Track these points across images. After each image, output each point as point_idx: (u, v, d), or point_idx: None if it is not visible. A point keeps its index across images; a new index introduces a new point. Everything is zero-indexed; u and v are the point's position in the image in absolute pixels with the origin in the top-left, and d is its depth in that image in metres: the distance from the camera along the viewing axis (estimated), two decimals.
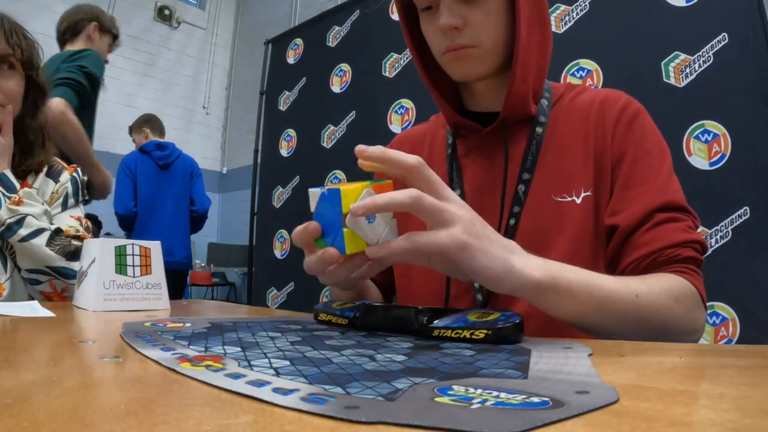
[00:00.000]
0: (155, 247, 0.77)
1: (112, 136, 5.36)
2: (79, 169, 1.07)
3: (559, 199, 0.64)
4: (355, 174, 3.19)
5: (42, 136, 0.99)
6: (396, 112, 2.81)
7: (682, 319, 0.54)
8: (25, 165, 0.96)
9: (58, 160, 1.05)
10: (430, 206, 0.43)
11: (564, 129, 0.67)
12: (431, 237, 0.43)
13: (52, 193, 0.99)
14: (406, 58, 2.80)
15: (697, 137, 1.82)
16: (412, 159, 0.45)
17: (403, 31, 0.73)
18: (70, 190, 1.02)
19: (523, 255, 0.47)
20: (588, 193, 0.63)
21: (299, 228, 0.49)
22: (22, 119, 0.95)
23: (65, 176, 1.02)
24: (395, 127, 2.80)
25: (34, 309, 0.62)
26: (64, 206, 0.99)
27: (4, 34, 0.87)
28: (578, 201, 0.63)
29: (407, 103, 2.76)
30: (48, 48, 1.00)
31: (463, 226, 0.43)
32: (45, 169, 1.01)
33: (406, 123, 2.75)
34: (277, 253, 3.35)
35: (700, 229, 1.77)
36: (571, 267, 0.50)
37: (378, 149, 0.45)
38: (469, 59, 0.65)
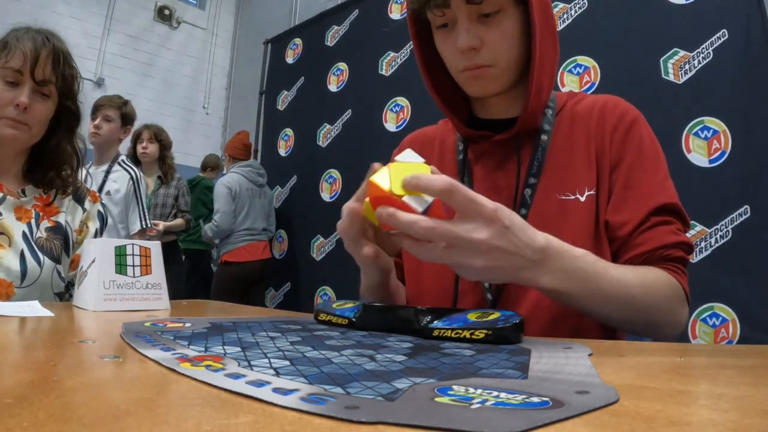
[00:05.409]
0: (155, 247, 0.77)
1: None
2: (102, 200, 1.09)
3: (564, 198, 0.67)
4: (350, 173, 3.14)
5: (77, 160, 1.03)
6: (391, 110, 2.80)
7: (667, 314, 0.60)
8: (54, 182, 0.98)
9: (81, 181, 1.08)
10: (464, 197, 0.44)
11: (567, 134, 0.70)
12: (461, 227, 0.44)
13: (80, 222, 1.02)
14: (403, 56, 2.79)
15: (696, 134, 1.81)
16: (441, 182, 0.44)
17: (414, 47, 0.74)
18: (98, 226, 1.05)
19: (534, 267, 0.49)
20: (591, 192, 0.67)
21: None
22: (59, 144, 0.99)
23: (88, 204, 1.05)
24: (390, 125, 2.79)
25: (34, 309, 0.62)
26: None
27: (51, 60, 0.90)
28: (582, 199, 0.66)
29: (402, 101, 2.76)
30: None
31: (493, 229, 0.45)
32: (70, 192, 1.03)
33: (401, 121, 2.75)
34: (276, 253, 3.35)
35: (700, 228, 1.76)
36: (577, 264, 0.52)
37: (411, 181, 0.45)
38: (486, 78, 0.67)
